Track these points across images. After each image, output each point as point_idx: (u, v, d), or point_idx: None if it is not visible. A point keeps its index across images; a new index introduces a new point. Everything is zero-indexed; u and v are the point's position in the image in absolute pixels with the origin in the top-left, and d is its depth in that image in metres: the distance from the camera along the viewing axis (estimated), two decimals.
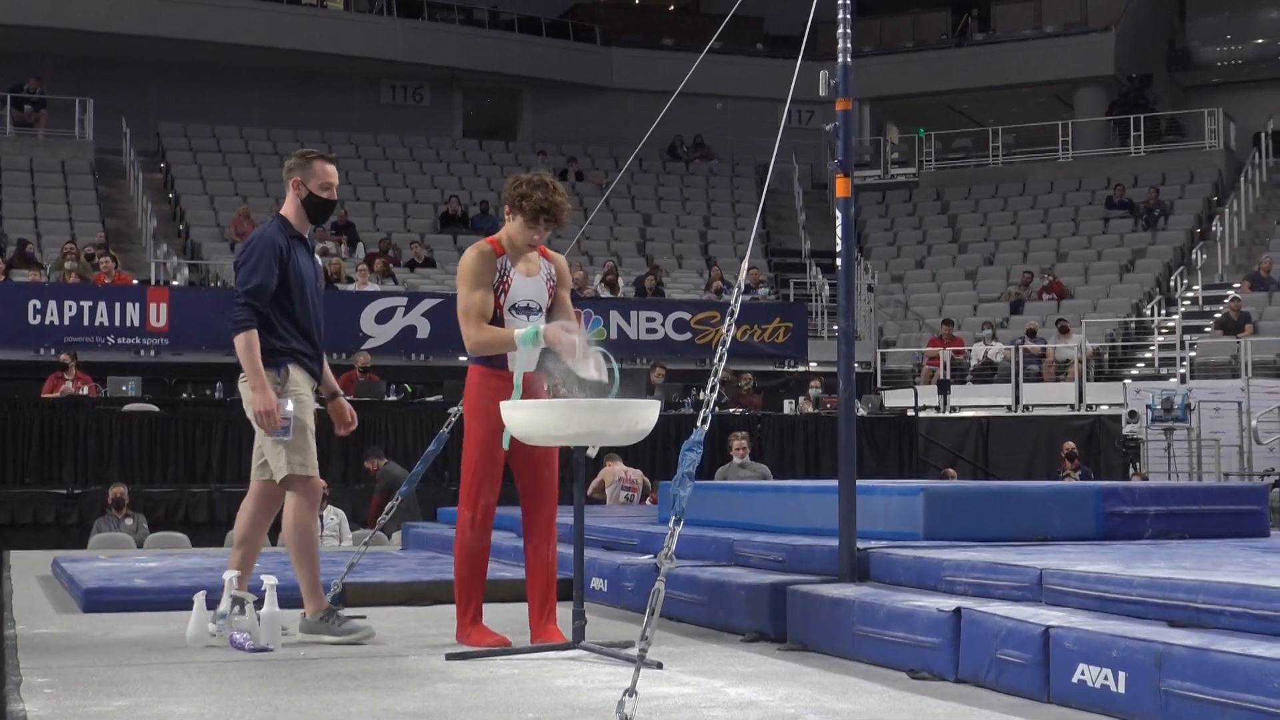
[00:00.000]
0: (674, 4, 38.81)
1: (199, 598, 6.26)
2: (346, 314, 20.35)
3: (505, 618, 6.52)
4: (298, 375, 6.48)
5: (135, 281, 21.42)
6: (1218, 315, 23.79)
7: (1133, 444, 19.56)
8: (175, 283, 22.36)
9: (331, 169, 6.63)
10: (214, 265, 23.55)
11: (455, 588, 6.35)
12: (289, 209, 6.62)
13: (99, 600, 7.62)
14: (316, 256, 6.85)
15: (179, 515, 15.37)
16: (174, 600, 7.21)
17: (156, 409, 16.54)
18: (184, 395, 18.00)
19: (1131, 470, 18.92)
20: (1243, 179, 28.65)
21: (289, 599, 6.35)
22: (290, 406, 6.36)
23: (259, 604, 6.15)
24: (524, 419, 5.89)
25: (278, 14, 30.46)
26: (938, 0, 36.02)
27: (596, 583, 7.84)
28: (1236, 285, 25.11)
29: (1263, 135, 29.72)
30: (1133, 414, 19.68)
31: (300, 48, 30.36)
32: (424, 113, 33.03)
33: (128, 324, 19.84)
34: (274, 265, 6.41)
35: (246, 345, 6.33)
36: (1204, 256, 26.55)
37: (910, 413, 20.63)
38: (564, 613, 6.15)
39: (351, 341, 19.98)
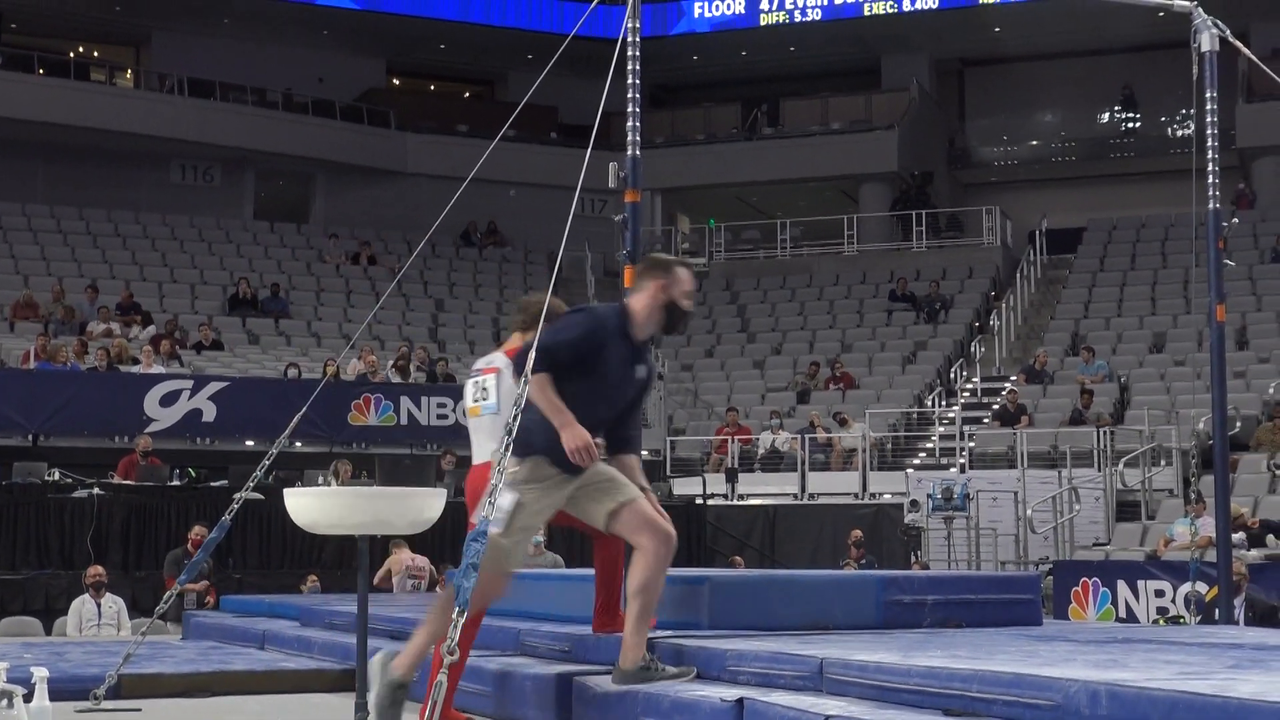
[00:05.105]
0: (469, 91, 38.97)
1: None
2: (129, 396, 19.84)
3: (293, 710, 6.41)
4: (545, 471, 6.01)
5: None
6: (995, 406, 24.39)
7: (914, 532, 19.91)
8: None
9: (692, 277, 6.26)
10: None
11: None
12: (641, 307, 6.20)
13: None
14: (647, 365, 6.43)
15: None
16: None
17: None
18: None
19: (913, 558, 19.26)
20: (1019, 275, 29.59)
21: (60, 691, 6.16)
22: (509, 500, 5.87)
23: (28, 698, 5.96)
24: (308, 507, 5.82)
25: (64, 90, 29.84)
26: (728, 95, 36.77)
27: None
28: (1013, 378, 25.78)
29: (1037, 233, 30.76)
30: (914, 503, 20.08)
31: (87, 124, 29.74)
32: (214, 193, 32.55)
33: None
34: (582, 340, 6.00)
35: (540, 389, 5.90)
36: (982, 349, 27.29)
37: (699, 501, 20.78)
38: (345, 703, 6.06)
39: (134, 424, 19.46)
